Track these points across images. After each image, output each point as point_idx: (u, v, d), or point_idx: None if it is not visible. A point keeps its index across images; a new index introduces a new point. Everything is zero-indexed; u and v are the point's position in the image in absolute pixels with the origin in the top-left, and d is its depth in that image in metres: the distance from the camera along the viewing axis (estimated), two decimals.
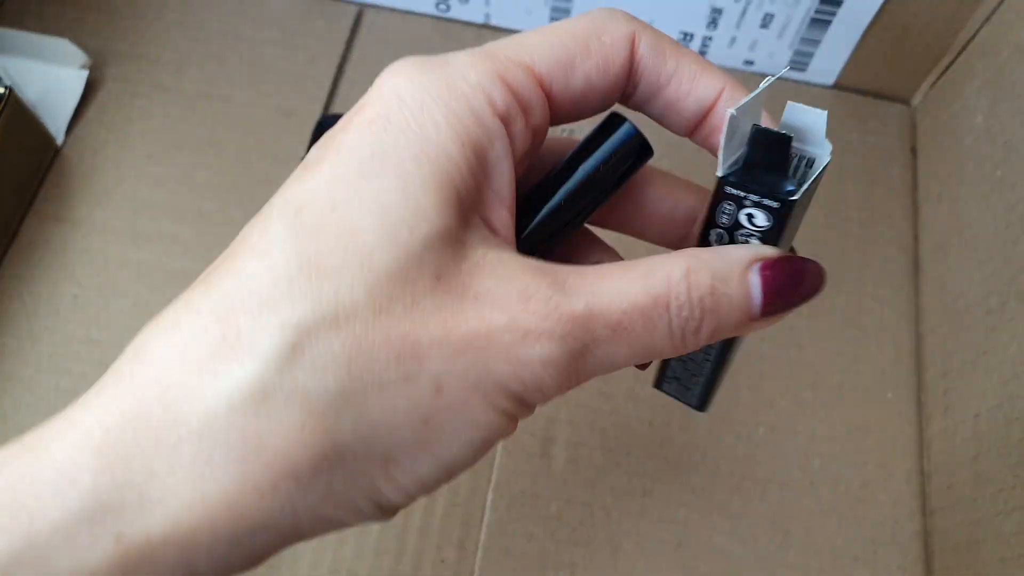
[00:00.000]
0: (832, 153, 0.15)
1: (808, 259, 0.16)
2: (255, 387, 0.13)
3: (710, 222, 0.17)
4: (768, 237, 0.16)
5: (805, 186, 0.15)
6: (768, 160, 0.15)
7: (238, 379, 0.13)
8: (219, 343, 0.14)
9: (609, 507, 0.35)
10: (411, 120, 0.15)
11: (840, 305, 0.39)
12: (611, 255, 0.21)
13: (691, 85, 0.18)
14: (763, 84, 0.16)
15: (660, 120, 0.19)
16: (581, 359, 0.15)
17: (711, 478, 0.35)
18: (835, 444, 0.36)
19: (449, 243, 0.15)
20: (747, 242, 0.16)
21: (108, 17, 0.44)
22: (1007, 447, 0.31)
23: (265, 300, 0.14)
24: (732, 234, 0.17)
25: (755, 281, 0.16)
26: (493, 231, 0.16)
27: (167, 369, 0.14)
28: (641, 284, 0.15)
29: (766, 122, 0.17)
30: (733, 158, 0.16)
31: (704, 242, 0.17)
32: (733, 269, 0.16)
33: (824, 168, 0.15)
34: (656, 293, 0.15)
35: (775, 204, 0.16)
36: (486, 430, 0.15)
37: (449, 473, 0.15)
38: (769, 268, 0.16)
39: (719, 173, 0.16)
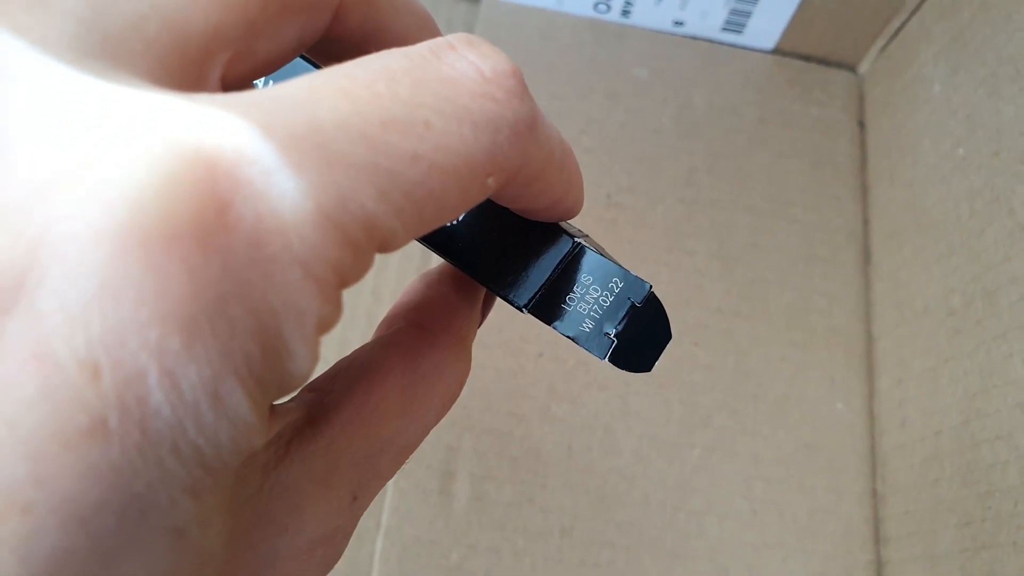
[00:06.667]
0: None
1: None
2: None
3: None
4: None
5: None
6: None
7: None
8: None
9: (521, 552, 0.29)
10: None
11: (785, 304, 0.34)
12: None
13: None
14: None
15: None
16: None
17: (640, 511, 0.30)
18: (780, 466, 0.32)
19: None
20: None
21: None
22: (975, 473, 0.27)
23: None
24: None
25: None
26: None
27: None
28: None
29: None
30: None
31: None
32: None
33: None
34: None
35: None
36: None
37: None
38: None
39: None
